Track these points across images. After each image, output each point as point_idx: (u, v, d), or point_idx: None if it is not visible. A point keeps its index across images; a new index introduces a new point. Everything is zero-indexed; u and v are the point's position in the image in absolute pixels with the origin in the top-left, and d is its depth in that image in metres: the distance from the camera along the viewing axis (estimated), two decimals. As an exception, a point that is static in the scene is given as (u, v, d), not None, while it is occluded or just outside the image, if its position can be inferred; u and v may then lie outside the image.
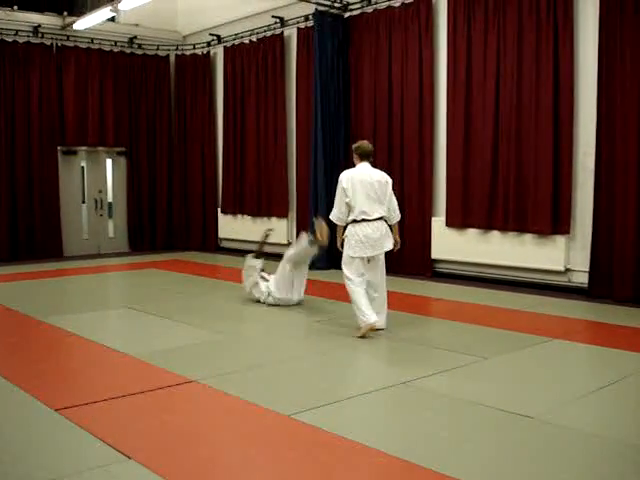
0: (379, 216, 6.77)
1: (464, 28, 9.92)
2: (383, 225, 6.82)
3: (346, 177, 6.78)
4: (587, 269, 8.77)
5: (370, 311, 6.58)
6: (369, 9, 11.27)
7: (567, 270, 9.08)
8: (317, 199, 11.37)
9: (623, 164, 8.32)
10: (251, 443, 4.13)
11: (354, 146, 7.06)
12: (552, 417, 4.46)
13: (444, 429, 4.32)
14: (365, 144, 7.06)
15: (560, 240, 9.03)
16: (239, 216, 13.94)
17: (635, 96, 8.17)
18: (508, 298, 8.74)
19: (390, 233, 6.88)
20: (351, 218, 6.74)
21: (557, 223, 9.02)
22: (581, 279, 8.94)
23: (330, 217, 6.98)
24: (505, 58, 9.47)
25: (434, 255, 10.44)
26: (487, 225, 9.77)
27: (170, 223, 15.08)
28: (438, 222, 10.35)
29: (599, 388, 5.08)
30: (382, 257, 6.90)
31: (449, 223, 10.23)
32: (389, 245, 6.86)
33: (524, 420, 4.41)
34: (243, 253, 13.48)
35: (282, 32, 12.80)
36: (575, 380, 5.40)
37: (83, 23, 12.85)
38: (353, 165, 7.02)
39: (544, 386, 5.20)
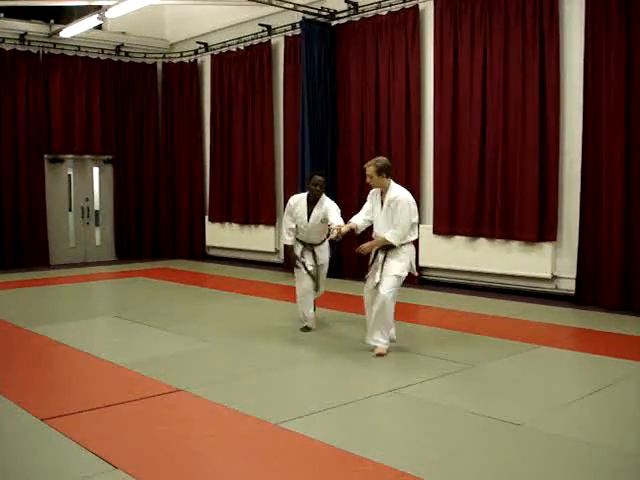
0: None
1: (451, 35, 9.96)
2: None
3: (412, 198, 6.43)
4: (574, 276, 8.80)
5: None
6: (356, 17, 11.31)
7: (554, 277, 9.12)
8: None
9: (609, 171, 8.37)
10: (238, 452, 4.12)
11: (389, 165, 6.43)
12: (540, 424, 4.47)
13: (432, 436, 4.31)
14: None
15: (547, 247, 9.07)
16: (227, 224, 13.91)
17: (621, 101, 8.23)
18: (495, 305, 8.76)
19: None
20: (415, 237, 6.41)
21: (544, 230, 9.07)
22: (568, 286, 8.97)
23: (414, 239, 6.40)
24: (492, 65, 9.52)
25: (421, 263, 10.44)
26: (474, 232, 9.80)
27: (157, 231, 15.03)
28: (425, 230, 10.35)
29: (587, 395, 5.09)
30: None
31: (436, 231, 10.25)
32: None
33: (512, 427, 4.42)
34: (231, 261, 13.59)
35: (269, 40, 12.81)
36: (563, 387, 5.42)
37: (70, 31, 12.81)
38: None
39: (532, 393, 5.21)
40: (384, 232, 6.26)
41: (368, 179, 6.39)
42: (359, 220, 6.54)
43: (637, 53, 8.12)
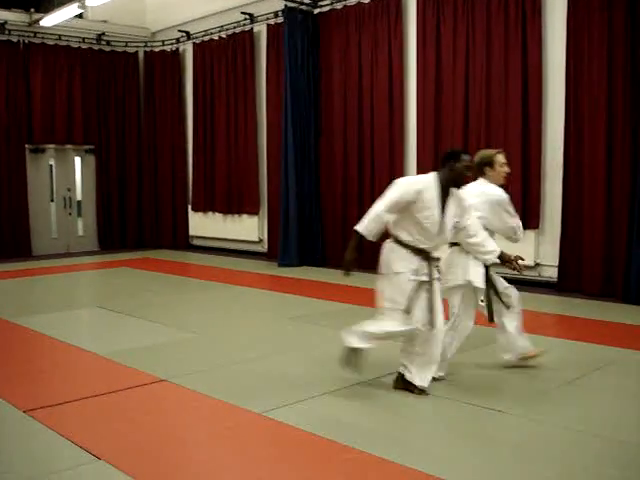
0: None
1: (433, 24, 9.95)
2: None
3: None
4: (556, 263, 8.84)
5: None
6: (338, 5, 11.27)
7: (537, 265, 9.15)
8: (288, 196, 11.36)
9: (591, 159, 8.40)
10: (222, 441, 4.12)
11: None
12: (523, 411, 4.49)
13: (415, 424, 4.34)
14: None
15: (529, 235, 9.07)
16: (210, 213, 13.87)
17: (603, 90, 8.25)
18: (479, 293, 8.78)
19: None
20: None
21: (526, 218, 9.06)
22: (550, 273, 9.02)
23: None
24: (474, 54, 9.52)
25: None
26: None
27: (140, 221, 14.96)
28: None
29: (571, 381, 5.13)
30: None
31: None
32: None
33: (496, 414, 4.44)
34: (215, 251, 13.55)
35: (252, 28, 12.75)
36: (545, 373, 5.44)
37: (50, 20, 12.69)
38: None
39: (514, 379, 5.23)
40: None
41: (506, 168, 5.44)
42: None
43: (618, 42, 8.14)
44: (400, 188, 4.81)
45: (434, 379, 4.98)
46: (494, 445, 3.99)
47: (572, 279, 8.67)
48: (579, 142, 8.50)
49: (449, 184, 4.83)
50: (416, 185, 4.80)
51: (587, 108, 8.43)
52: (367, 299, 8.36)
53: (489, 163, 5.34)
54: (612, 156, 8.28)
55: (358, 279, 9.90)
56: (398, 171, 10.45)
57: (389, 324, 4.86)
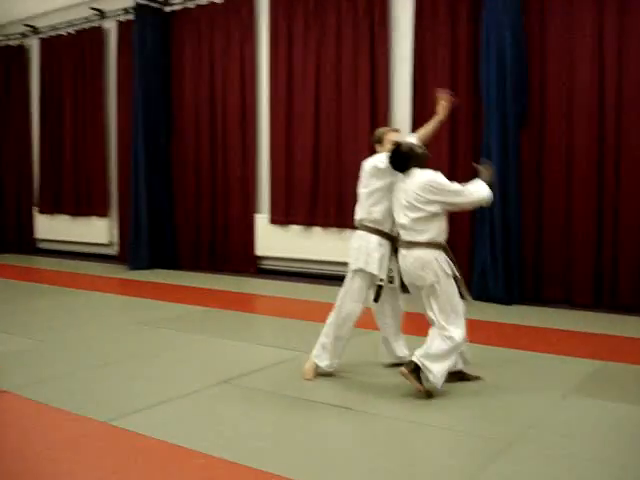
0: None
1: (285, 25, 10.04)
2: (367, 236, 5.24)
3: None
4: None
5: None
6: (191, 4, 11.14)
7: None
8: (138, 198, 11.14)
9: (437, 163, 8.74)
10: (64, 452, 3.96)
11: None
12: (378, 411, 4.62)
13: (267, 426, 4.35)
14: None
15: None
16: (57, 216, 13.33)
17: (446, 85, 8.64)
18: (334, 293, 8.91)
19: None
20: None
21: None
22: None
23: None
24: (325, 55, 9.69)
25: (258, 252, 10.50)
26: (310, 221, 9.96)
27: (-19, 224, 14.17)
28: (262, 219, 10.43)
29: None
30: None
31: (273, 220, 10.32)
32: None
33: (345, 411, 4.54)
34: (63, 254, 13.03)
35: (101, 25, 12.38)
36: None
37: None
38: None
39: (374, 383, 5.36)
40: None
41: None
42: None
43: (460, 41, 8.57)
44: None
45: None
46: (355, 444, 4.07)
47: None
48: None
49: None
50: None
51: (432, 105, 8.76)
52: (218, 301, 8.40)
53: (379, 140, 5.38)
54: (455, 153, 8.67)
55: (208, 281, 9.92)
56: (250, 170, 10.50)
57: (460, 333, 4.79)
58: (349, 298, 5.25)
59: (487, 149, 8.20)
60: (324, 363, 5.25)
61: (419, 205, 4.79)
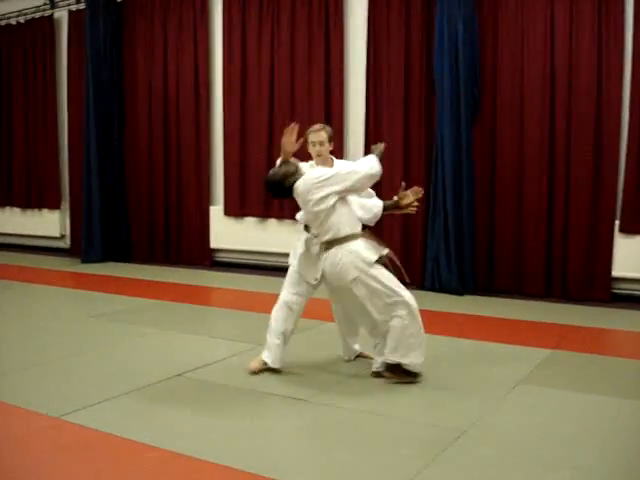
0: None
1: (239, 16, 10.00)
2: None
3: None
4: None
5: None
6: (142, -7, 11.02)
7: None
8: (90, 189, 11.00)
9: (389, 164, 8.79)
10: (12, 450, 3.89)
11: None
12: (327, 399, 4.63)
13: (221, 419, 4.33)
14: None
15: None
16: (7, 208, 13.07)
17: (400, 93, 8.73)
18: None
19: None
20: None
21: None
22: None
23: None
24: (280, 46, 9.66)
25: (213, 244, 10.45)
26: (265, 213, 9.94)
27: None
28: (216, 211, 10.38)
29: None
30: None
31: (227, 212, 10.28)
32: None
33: (299, 403, 4.55)
34: (13, 248, 12.79)
35: (52, 14, 12.15)
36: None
37: None
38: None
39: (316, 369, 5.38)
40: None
41: (318, 147, 5.08)
42: None
43: (413, 31, 8.64)
44: None
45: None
46: (289, 432, 4.08)
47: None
48: (378, 135, 8.77)
49: None
50: None
51: (386, 103, 8.85)
52: (172, 294, 8.35)
53: (305, 140, 5.15)
54: (409, 146, 8.74)
55: (162, 274, 9.85)
56: (204, 165, 10.42)
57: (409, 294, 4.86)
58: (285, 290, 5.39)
59: (440, 140, 8.28)
60: (270, 359, 5.24)
61: (315, 209, 4.77)
